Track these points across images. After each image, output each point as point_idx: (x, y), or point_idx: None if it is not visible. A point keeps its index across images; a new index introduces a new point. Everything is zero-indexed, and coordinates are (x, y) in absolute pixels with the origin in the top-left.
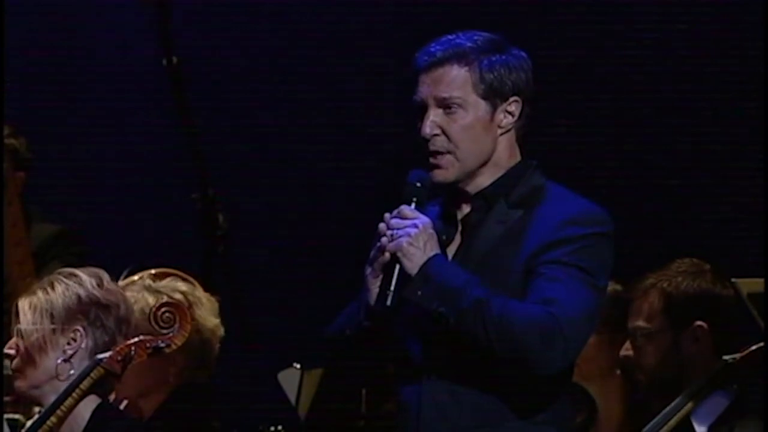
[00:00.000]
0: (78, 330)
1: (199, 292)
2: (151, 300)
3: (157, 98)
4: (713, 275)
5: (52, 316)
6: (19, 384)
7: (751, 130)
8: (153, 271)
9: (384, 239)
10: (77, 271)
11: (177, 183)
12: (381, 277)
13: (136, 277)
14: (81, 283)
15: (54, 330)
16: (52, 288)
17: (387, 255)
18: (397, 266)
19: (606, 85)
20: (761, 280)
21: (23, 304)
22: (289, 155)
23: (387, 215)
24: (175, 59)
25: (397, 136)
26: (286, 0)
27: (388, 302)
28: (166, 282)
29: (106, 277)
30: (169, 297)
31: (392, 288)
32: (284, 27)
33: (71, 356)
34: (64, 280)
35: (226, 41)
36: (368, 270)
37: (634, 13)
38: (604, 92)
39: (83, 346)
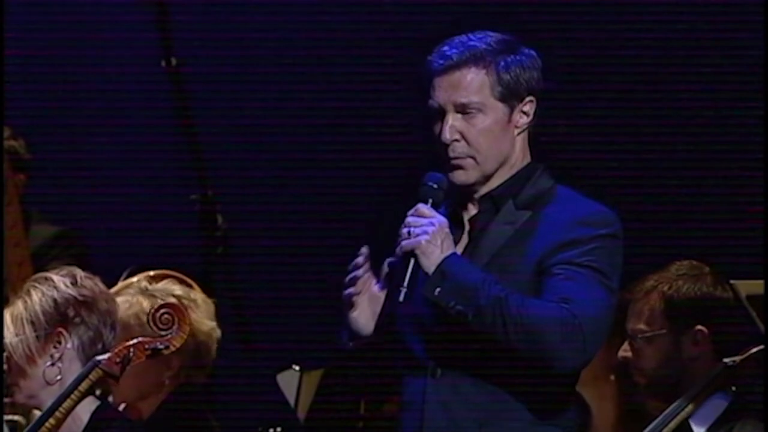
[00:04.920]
0: (61, 332)
1: (195, 294)
2: (146, 304)
3: (156, 98)
4: (713, 278)
5: (33, 324)
6: (17, 397)
7: (751, 130)
8: (151, 273)
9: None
10: (50, 274)
11: (177, 183)
12: (393, 273)
13: (134, 279)
14: (55, 286)
15: (38, 337)
16: (29, 296)
17: (399, 251)
18: (411, 263)
19: (606, 85)
20: (760, 282)
21: (6, 316)
22: (289, 155)
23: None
24: (174, 60)
25: (397, 135)
26: (285, 0)
27: (401, 298)
28: (162, 285)
29: (80, 273)
30: (164, 300)
31: (405, 284)
32: (283, 27)
33: (58, 359)
34: (39, 285)
35: (226, 41)
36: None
37: (634, 12)
38: (604, 92)
39: (69, 346)
